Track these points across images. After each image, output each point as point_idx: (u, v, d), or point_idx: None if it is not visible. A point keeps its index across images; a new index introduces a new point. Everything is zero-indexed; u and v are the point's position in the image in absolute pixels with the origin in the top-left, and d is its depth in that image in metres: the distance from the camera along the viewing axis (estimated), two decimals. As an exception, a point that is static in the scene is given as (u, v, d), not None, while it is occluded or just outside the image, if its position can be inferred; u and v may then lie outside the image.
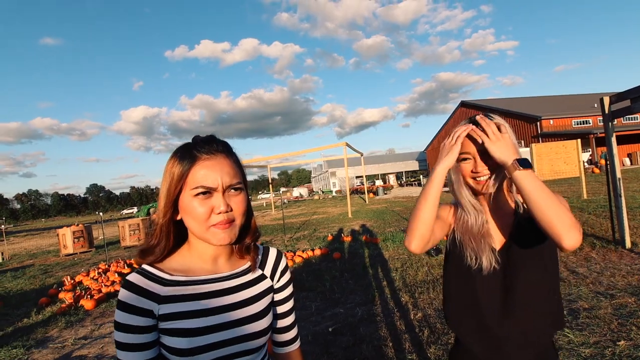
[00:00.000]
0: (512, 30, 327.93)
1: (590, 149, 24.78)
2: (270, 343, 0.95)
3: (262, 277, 0.87)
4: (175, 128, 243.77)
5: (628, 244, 4.80)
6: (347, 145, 16.08)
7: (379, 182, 42.78)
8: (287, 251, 7.32)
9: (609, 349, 2.48)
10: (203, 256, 0.80)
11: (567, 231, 0.80)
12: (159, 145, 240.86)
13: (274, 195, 29.66)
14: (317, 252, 6.73)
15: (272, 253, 0.93)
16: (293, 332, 0.94)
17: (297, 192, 46.85)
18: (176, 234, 0.79)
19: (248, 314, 0.80)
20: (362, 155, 20.57)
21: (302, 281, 5.09)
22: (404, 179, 49.36)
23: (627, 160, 26.27)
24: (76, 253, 10.89)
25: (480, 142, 0.96)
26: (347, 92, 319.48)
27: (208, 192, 0.73)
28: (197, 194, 0.72)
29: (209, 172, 0.73)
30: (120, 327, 0.70)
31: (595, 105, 26.18)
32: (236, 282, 0.81)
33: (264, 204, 33.27)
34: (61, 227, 12.04)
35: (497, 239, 1.05)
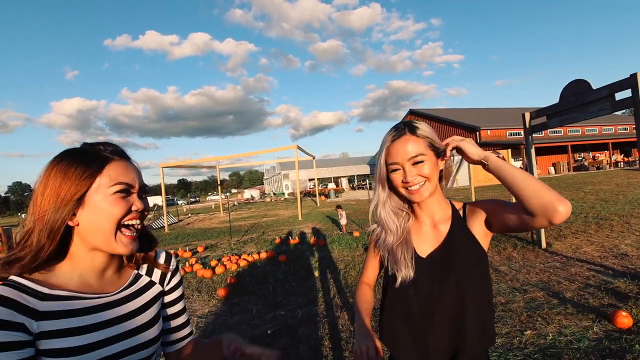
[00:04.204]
0: (458, 44, 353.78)
1: (521, 158, 27.29)
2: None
3: (150, 284, 0.86)
4: (115, 123, 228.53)
5: (543, 244, 5.37)
6: (299, 148, 16.15)
7: (331, 185, 43.41)
8: (233, 254, 7.18)
9: (517, 338, 2.77)
10: (88, 269, 0.75)
11: (557, 200, 0.81)
12: (97, 141, 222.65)
13: (223, 196, 28.86)
14: (263, 255, 6.68)
15: (161, 257, 0.91)
16: (188, 329, 0.94)
17: (248, 194, 46.06)
18: (55, 246, 0.71)
19: (139, 324, 0.78)
20: (314, 158, 20.77)
21: (245, 285, 5.02)
22: (355, 182, 50.55)
23: (552, 169, 29.27)
24: (-7, 259, 9.75)
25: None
26: (302, 95, 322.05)
27: (126, 190, 0.75)
28: (116, 191, 0.74)
29: (125, 172, 0.76)
30: None
31: (525, 119, 28.89)
32: (124, 293, 0.79)
33: (212, 206, 32.23)
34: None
35: (427, 247, 1.04)
